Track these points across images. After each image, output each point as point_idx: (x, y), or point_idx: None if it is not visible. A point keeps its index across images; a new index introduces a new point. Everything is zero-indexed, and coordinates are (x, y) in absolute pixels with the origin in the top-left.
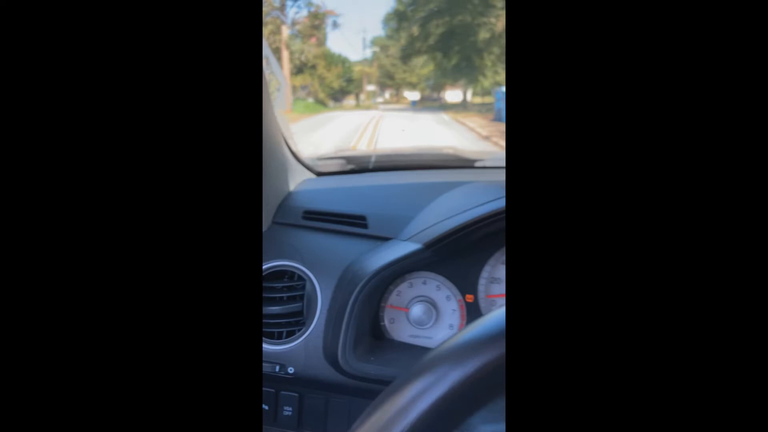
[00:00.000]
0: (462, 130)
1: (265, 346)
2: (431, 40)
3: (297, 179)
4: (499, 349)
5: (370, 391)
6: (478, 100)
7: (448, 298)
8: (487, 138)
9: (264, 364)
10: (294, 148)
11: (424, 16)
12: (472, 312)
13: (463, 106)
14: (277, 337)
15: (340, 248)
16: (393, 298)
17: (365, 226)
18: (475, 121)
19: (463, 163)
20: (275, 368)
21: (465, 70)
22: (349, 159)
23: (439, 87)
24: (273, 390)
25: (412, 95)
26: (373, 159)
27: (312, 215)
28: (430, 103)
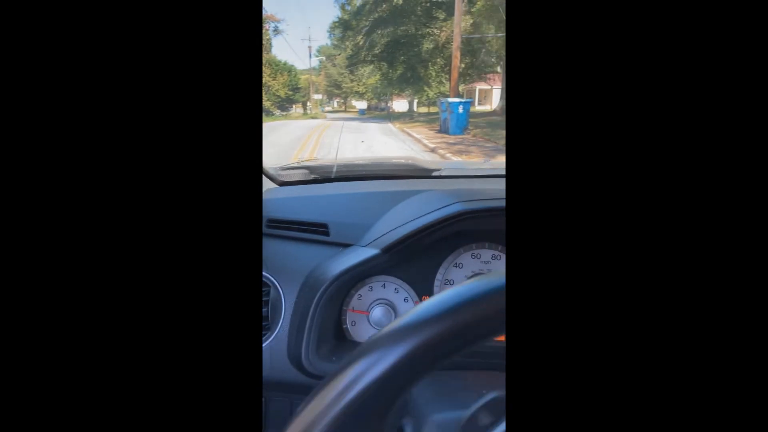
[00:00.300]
0: (409, 141)
1: None
2: (376, 50)
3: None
4: (423, 335)
5: None
6: (423, 110)
7: (405, 299)
8: (433, 150)
9: None
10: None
11: (369, 26)
12: None
13: (409, 116)
14: None
15: (303, 255)
16: (354, 302)
17: (327, 234)
18: (422, 132)
19: (421, 173)
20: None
21: (410, 80)
22: (311, 169)
23: (386, 96)
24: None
25: (360, 104)
26: (335, 168)
27: (275, 223)
28: (378, 112)
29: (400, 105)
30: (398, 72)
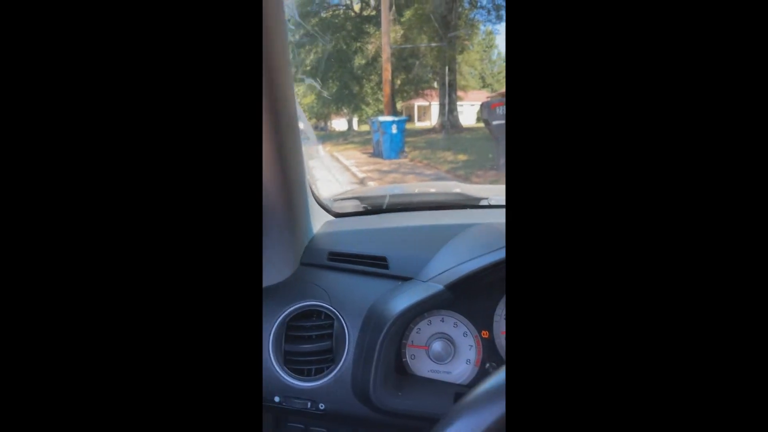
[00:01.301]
0: (336, 169)
1: (295, 382)
2: (307, 67)
3: (318, 221)
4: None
5: (394, 426)
6: (365, 128)
7: (465, 334)
8: (362, 182)
9: (295, 401)
10: (316, 191)
11: (296, 42)
12: (488, 347)
13: (344, 137)
14: (306, 374)
15: (363, 288)
16: (414, 336)
17: (386, 267)
18: (353, 156)
19: (470, 202)
20: (306, 405)
21: (346, 98)
22: (362, 199)
23: (324, 116)
24: (302, 426)
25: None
26: (387, 199)
27: (336, 257)
28: (317, 132)
29: (339, 124)
30: (332, 90)
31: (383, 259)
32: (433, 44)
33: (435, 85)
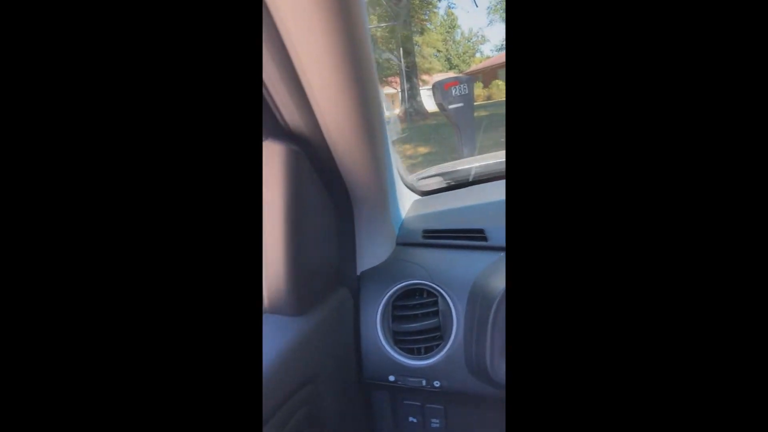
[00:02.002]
0: None
1: (407, 361)
2: None
3: (406, 201)
4: None
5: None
6: None
7: None
8: None
9: (409, 380)
10: (402, 173)
11: None
12: None
13: None
14: (416, 353)
15: (463, 263)
16: None
17: (485, 239)
18: None
19: None
20: (421, 382)
21: None
22: (444, 175)
23: None
24: (419, 403)
25: None
26: (472, 172)
27: (432, 234)
28: None
29: None
30: None
31: (481, 231)
32: (383, 24)
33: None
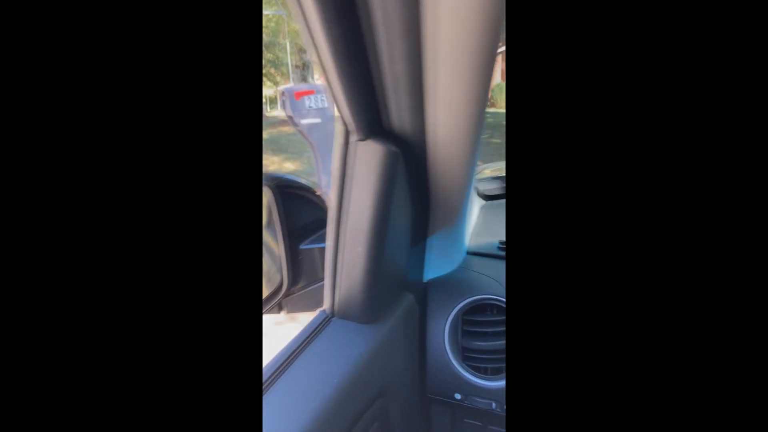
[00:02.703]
0: None
1: (476, 380)
2: None
3: (474, 206)
4: None
5: None
6: None
7: None
8: None
9: (478, 400)
10: None
11: None
12: None
13: None
14: (483, 372)
15: None
16: None
17: None
18: None
19: None
20: (491, 405)
21: None
22: (503, 179)
23: None
24: (480, 423)
25: None
26: None
27: None
28: None
29: None
30: None
31: None
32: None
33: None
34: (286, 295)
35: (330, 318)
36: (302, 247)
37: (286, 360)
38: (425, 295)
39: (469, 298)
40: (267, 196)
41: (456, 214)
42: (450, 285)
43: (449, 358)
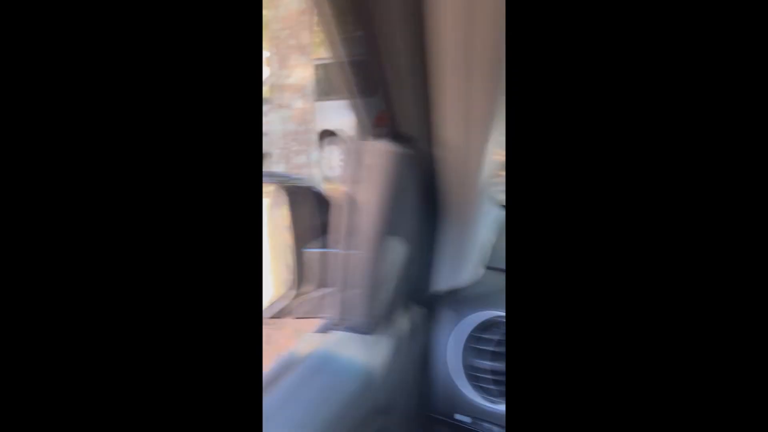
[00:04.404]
0: None
1: (481, 402)
2: None
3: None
4: None
5: None
6: None
7: None
8: None
9: (485, 425)
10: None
11: None
12: None
13: None
14: (489, 394)
15: None
16: None
17: None
18: None
19: None
20: (492, 430)
21: None
22: None
23: None
24: None
25: None
26: None
27: None
28: None
29: None
30: None
31: None
32: None
33: None
34: (294, 298)
35: (331, 327)
36: (310, 250)
37: (281, 374)
38: (434, 307)
39: (482, 312)
40: (281, 198)
41: (469, 223)
42: (462, 299)
43: (453, 377)
